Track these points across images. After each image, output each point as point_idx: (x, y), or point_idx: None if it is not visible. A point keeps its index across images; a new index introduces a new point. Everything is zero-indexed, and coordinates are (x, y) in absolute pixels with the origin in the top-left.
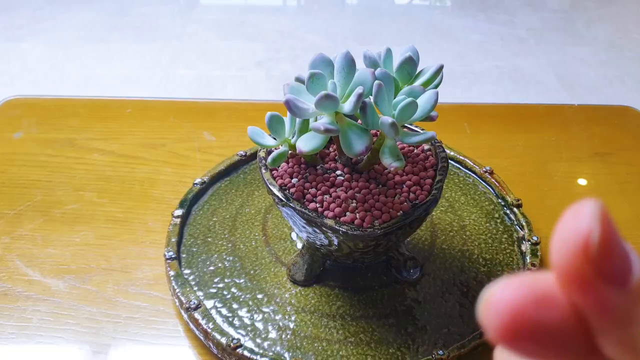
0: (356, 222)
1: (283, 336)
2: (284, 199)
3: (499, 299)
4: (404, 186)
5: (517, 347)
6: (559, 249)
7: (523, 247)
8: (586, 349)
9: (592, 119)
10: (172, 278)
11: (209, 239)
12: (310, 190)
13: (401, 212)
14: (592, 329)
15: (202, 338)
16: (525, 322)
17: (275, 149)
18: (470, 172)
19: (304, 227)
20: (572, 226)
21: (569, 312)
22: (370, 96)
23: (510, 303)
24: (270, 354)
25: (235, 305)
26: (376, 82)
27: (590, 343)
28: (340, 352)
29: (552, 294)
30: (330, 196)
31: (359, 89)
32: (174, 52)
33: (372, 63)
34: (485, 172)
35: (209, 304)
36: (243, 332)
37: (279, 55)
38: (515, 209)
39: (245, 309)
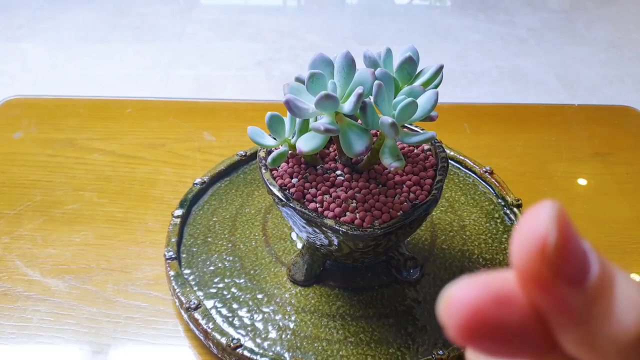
0: (356, 222)
1: (283, 336)
2: (284, 199)
3: (458, 298)
4: (404, 186)
5: (477, 346)
6: (518, 250)
7: None
8: (546, 347)
9: (592, 119)
10: (172, 278)
11: (209, 239)
12: (310, 190)
13: (401, 212)
14: (552, 327)
15: (202, 338)
16: (485, 321)
17: (275, 149)
18: (470, 172)
19: (304, 227)
20: (530, 228)
21: (529, 311)
22: (370, 96)
23: (469, 302)
24: (270, 354)
25: (235, 305)
26: (376, 82)
27: (551, 341)
28: (340, 352)
29: (512, 293)
30: (330, 196)
31: (359, 89)
32: (174, 52)
33: (372, 63)
34: (485, 172)
35: (209, 304)
36: (243, 332)
37: (279, 55)
38: (515, 209)
39: (245, 309)
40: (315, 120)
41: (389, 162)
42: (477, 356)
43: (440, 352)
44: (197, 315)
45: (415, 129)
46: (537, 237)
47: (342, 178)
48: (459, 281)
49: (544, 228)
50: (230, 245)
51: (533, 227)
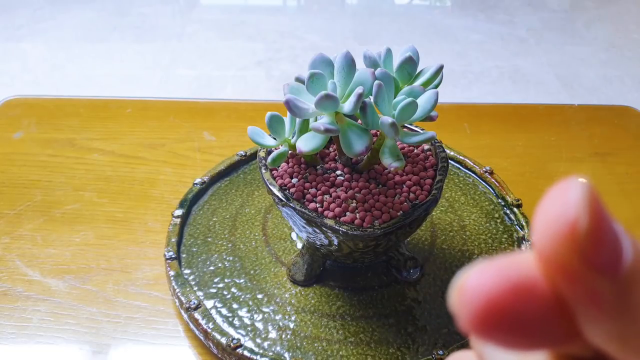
0: (356, 222)
1: (283, 336)
2: (284, 199)
3: (474, 286)
4: (404, 186)
5: (491, 338)
6: (542, 234)
7: (523, 247)
8: (567, 337)
9: (592, 119)
10: (172, 278)
11: (209, 239)
12: (310, 190)
13: (401, 212)
14: (577, 318)
15: (202, 338)
16: (503, 313)
17: (275, 149)
18: (470, 172)
19: (304, 227)
20: (557, 208)
21: (550, 300)
22: (370, 96)
23: (486, 291)
24: (270, 354)
25: (235, 305)
26: (376, 82)
27: (573, 331)
28: (340, 352)
29: (532, 280)
30: (330, 196)
31: (359, 89)
32: (174, 52)
33: (372, 63)
34: (485, 172)
35: (209, 304)
36: (243, 332)
37: (279, 55)
38: (515, 209)
39: (245, 309)
40: (315, 120)
41: (389, 162)
42: (486, 347)
43: (440, 352)
44: (197, 315)
45: (415, 129)
46: (565, 220)
47: (342, 178)
48: (473, 266)
49: (573, 210)
50: (230, 245)
51: (561, 207)
